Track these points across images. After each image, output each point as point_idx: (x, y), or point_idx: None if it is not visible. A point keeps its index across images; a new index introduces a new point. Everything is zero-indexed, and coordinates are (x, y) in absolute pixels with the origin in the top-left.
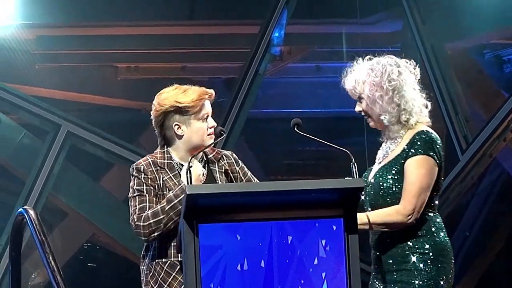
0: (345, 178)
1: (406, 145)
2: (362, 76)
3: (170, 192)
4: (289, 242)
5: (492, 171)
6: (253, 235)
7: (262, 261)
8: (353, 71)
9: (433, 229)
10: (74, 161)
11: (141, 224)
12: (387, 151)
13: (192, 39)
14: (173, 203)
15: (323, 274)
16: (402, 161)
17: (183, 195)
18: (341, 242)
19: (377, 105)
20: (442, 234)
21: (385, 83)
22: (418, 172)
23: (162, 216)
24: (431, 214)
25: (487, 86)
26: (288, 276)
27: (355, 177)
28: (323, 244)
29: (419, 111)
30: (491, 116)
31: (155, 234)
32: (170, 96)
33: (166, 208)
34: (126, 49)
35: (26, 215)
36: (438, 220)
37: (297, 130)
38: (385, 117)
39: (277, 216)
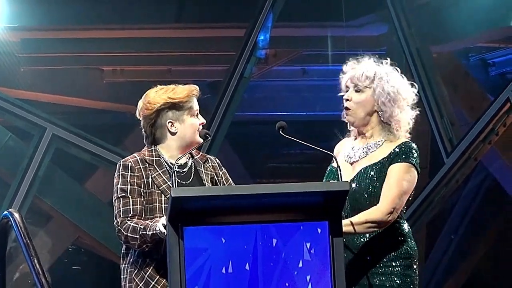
0: (330, 181)
1: (392, 151)
2: (381, 71)
3: (159, 223)
4: (274, 245)
5: (477, 174)
6: (238, 238)
7: (247, 264)
8: (363, 63)
9: (405, 235)
10: (59, 164)
11: (122, 231)
12: (366, 152)
13: (178, 42)
14: (151, 233)
15: (308, 277)
16: (387, 165)
17: (160, 236)
18: (326, 245)
19: (391, 108)
20: (413, 240)
21: (403, 91)
22: (402, 176)
23: (137, 237)
24: (402, 221)
25: (472, 89)
26: (272, 279)
27: (339, 180)
28: (308, 247)
29: (406, 129)
30: (476, 119)
31: (130, 245)
32: (160, 94)
33: (142, 233)
34: (112, 52)
35: (11, 218)
36: (407, 226)
37: (282, 133)
38: (383, 119)
39: (262, 219)
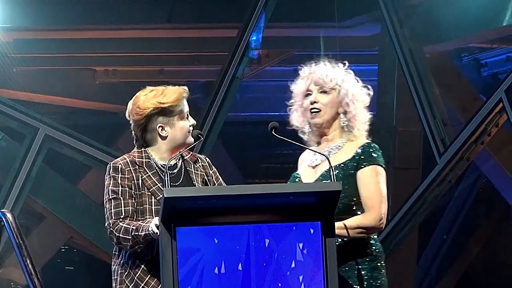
0: (323, 181)
1: (355, 153)
2: (340, 73)
3: (151, 224)
4: (266, 245)
5: (469, 175)
6: (230, 238)
7: (240, 264)
8: (324, 65)
9: (375, 237)
10: (52, 164)
11: (114, 232)
12: (328, 155)
13: (170, 42)
14: (144, 234)
15: (301, 278)
16: (352, 171)
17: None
18: (318, 245)
19: (355, 108)
20: (378, 242)
21: (362, 91)
22: (377, 180)
23: (129, 238)
24: None
25: (465, 89)
26: (265, 279)
27: (332, 180)
28: (301, 247)
29: (365, 130)
30: (469, 119)
31: (122, 246)
32: (150, 98)
33: (134, 234)
34: (104, 53)
35: (3, 218)
36: None
37: (275, 134)
38: (346, 121)
39: (254, 219)
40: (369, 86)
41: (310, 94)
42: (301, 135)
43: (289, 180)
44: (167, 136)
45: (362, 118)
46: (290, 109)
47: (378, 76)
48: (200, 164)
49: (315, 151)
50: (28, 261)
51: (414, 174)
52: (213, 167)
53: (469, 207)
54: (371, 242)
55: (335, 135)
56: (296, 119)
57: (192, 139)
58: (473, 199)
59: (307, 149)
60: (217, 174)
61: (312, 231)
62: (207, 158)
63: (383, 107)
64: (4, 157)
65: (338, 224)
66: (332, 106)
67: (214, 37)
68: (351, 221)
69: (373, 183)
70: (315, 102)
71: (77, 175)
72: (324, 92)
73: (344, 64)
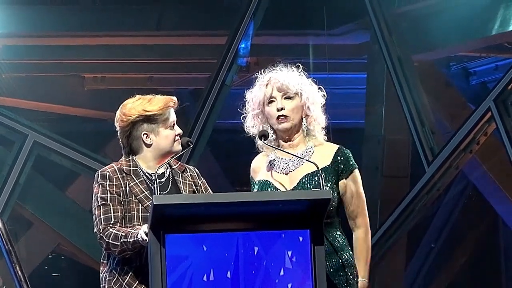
0: (312, 189)
1: (334, 159)
2: (299, 78)
3: (140, 230)
4: (255, 253)
5: (458, 183)
6: (219, 245)
7: (228, 272)
8: (284, 71)
9: (346, 245)
10: (41, 171)
11: (104, 237)
12: (301, 161)
13: (159, 49)
14: (133, 240)
15: (289, 285)
16: (332, 176)
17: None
18: (307, 253)
19: (316, 111)
20: (351, 250)
21: (319, 94)
22: (359, 185)
23: (118, 244)
24: (340, 231)
25: (453, 98)
26: (254, 287)
27: (321, 188)
28: (289, 255)
29: (324, 132)
30: (458, 128)
31: (111, 252)
32: (136, 105)
33: (123, 240)
34: (93, 59)
35: None
36: (344, 235)
37: (264, 142)
38: (307, 124)
39: (243, 227)
40: (322, 87)
41: (274, 101)
42: (259, 141)
43: (256, 188)
44: (151, 144)
45: (321, 121)
46: (244, 116)
47: (366, 84)
48: (189, 174)
49: (305, 158)
50: (17, 267)
51: (403, 182)
52: (202, 178)
53: (457, 216)
54: (347, 249)
55: (300, 139)
56: (256, 126)
57: (180, 147)
58: (461, 208)
59: (260, 156)
60: (206, 185)
61: (301, 239)
62: (195, 168)
63: (371, 115)
64: None
65: (363, 271)
66: (297, 111)
67: (203, 44)
68: (361, 264)
69: (357, 190)
70: (282, 108)
71: (66, 182)
72: (289, 98)
73: (298, 67)
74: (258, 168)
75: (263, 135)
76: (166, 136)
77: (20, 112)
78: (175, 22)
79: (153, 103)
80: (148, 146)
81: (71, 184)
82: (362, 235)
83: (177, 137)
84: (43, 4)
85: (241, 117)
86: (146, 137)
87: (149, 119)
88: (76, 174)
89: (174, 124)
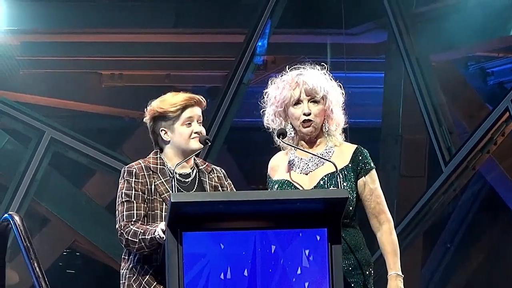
0: (330, 188)
1: (353, 158)
2: (324, 80)
3: (158, 228)
4: (272, 251)
5: (474, 183)
6: (236, 244)
7: (246, 270)
8: (311, 72)
9: (364, 243)
10: (57, 168)
11: (124, 234)
12: (321, 161)
13: (176, 47)
14: (150, 237)
15: (306, 284)
16: (351, 176)
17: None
18: (324, 252)
19: (337, 113)
20: (367, 249)
21: (341, 95)
22: (377, 184)
23: (136, 240)
24: (358, 229)
25: (471, 98)
26: (271, 285)
27: (339, 187)
28: (307, 254)
29: (341, 132)
30: (475, 128)
31: (130, 248)
32: (156, 102)
33: (141, 237)
34: (111, 56)
35: (11, 221)
36: (361, 234)
37: (282, 140)
38: (328, 125)
39: (261, 225)
40: (341, 85)
41: (300, 104)
42: (277, 138)
43: (274, 187)
44: (169, 140)
45: (341, 122)
46: (263, 110)
47: (384, 83)
48: (215, 174)
49: (325, 158)
50: (35, 264)
51: (420, 182)
52: (228, 179)
53: (474, 216)
54: (364, 248)
55: (321, 140)
56: (276, 122)
57: (197, 145)
58: (478, 208)
59: (279, 154)
60: (232, 186)
61: (318, 237)
62: (222, 169)
63: (389, 115)
64: (9, 159)
65: (393, 264)
66: (322, 115)
67: (220, 42)
68: (390, 258)
69: (377, 189)
70: (309, 114)
71: (82, 179)
72: (315, 102)
73: (323, 67)
74: (277, 167)
75: (281, 134)
76: (181, 133)
77: (37, 109)
78: (192, 20)
79: (171, 100)
80: (167, 142)
81: (87, 181)
82: (387, 230)
83: (194, 135)
84: (61, 1)
85: (261, 111)
86: (164, 134)
87: (163, 116)
88: (93, 171)
89: (191, 121)
